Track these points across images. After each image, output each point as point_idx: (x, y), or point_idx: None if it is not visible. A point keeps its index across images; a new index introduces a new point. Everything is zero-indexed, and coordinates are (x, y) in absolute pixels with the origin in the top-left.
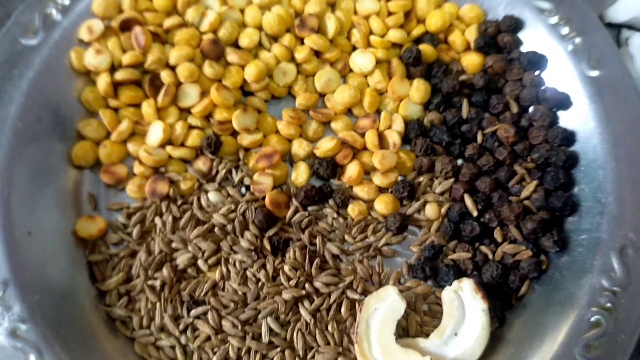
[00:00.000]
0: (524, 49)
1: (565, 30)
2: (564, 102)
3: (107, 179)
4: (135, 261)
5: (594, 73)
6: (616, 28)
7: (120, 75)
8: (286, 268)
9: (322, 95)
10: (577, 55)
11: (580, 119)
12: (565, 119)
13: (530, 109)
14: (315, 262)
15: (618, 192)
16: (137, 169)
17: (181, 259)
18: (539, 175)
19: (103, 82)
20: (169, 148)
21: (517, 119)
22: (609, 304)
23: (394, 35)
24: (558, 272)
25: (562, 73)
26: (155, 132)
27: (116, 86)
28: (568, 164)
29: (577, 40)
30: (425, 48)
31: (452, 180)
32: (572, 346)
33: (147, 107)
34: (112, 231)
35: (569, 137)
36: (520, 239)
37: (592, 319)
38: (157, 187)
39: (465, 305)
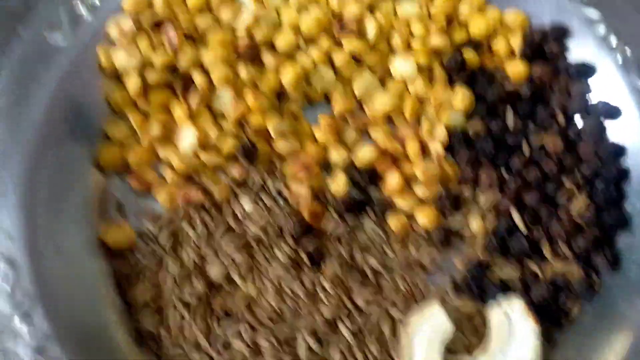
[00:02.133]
0: (570, 58)
1: (614, 41)
2: (614, 114)
3: (136, 184)
4: (166, 273)
5: None
6: None
7: (151, 77)
8: (325, 284)
9: (360, 102)
10: (626, 67)
11: (630, 131)
12: (615, 132)
13: (579, 121)
14: (355, 277)
15: None
16: (169, 175)
17: (214, 272)
18: (588, 189)
19: (133, 83)
20: (202, 155)
21: (565, 131)
22: None
23: (436, 40)
24: (611, 293)
25: (611, 84)
26: (187, 138)
27: (146, 87)
28: (619, 178)
29: (627, 51)
30: (468, 54)
31: (498, 193)
32: None
33: (179, 111)
34: (142, 241)
35: (619, 152)
36: (571, 256)
37: None
38: (191, 196)
39: (514, 326)
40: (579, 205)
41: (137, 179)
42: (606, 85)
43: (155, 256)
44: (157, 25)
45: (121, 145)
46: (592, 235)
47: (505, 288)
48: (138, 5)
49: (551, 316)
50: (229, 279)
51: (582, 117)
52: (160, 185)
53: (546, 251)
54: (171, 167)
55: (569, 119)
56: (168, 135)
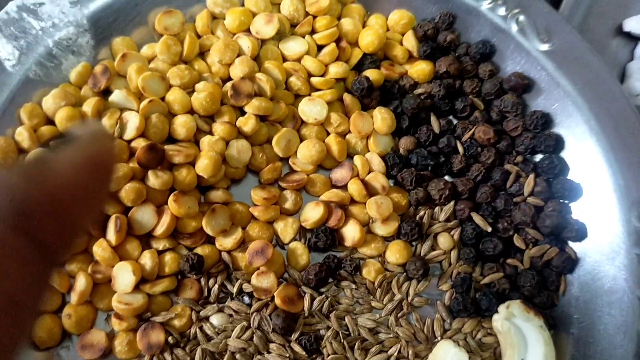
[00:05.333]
0: (466, 40)
1: (502, 10)
2: (529, 85)
3: (88, 354)
4: None
5: (547, 47)
6: (634, 41)
7: None
8: None
9: (282, 159)
10: (525, 33)
11: (548, 97)
12: (534, 102)
13: (496, 100)
14: (356, 347)
15: (614, 163)
16: (118, 325)
17: None
18: (532, 166)
19: None
20: (145, 287)
21: (488, 116)
22: None
23: (336, 70)
24: (590, 259)
25: (514, 55)
26: (124, 276)
27: None
28: (558, 147)
29: (520, 17)
30: (371, 73)
31: (452, 202)
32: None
33: (101, 251)
34: None
35: (548, 120)
36: (542, 238)
37: None
38: (151, 338)
39: (521, 328)
40: (530, 186)
41: (86, 347)
42: (509, 56)
43: None
44: None
45: (52, 314)
46: (555, 212)
47: (495, 294)
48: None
49: (544, 300)
50: None
51: (500, 97)
52: (113, 340)
53: (518, 242)
54: (117, 315)
55: (487, 102)
56: (98, 282)
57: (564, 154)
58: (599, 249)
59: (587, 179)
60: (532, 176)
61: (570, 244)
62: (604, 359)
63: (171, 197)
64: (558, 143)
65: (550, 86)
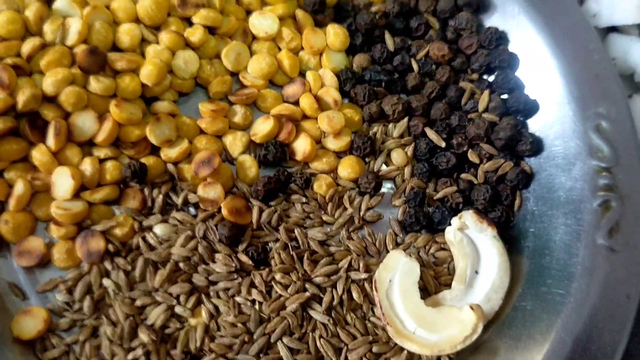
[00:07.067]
0: None
1: None
2: (484, 1)
3: (25, 261)
4: (102, 340)
5: None
6: None
7: None
8: (278, 276)
9: (234, 74)
10: None
11: (502, 14)
12: (489, 20)
13: (451, 20)
14: (305, 257)
15: (570, 75)
16: (56, 232)
17: (155, 315)
18: (487, 83)
19: None
20: (85, 195)
21: (443, 34)
22: (611, 182)
23: None
24: (545, 172)
25: None
26: (63, 182)
27: None
28: (513, 62)
29: None
30: None
31: (406, 118)
32: (595, 238)
33: (40, 155)
34: (58, 316)
35: (503, 36)
36: (496, 153)
37: (601, 203)
38: (91, 246)
39: (474, 240)
40: (484, 102)
41: (23, 255)
42: None
43: (82, 327)
44: None
45: None
46: (510, 124)
47: (449, 208)
48: None
49: (499, 215)
50: (175, 317)
51: (455, 15)
52: (51, 249)
53: (472, 157)
54: (56, 222)
55: (442, 21)
56: (38, 189)
57: (519, 73)
58: (555, 162)
59: (543, 94)
60: (486, 92)
61: (526, 159)
62: (559, 267)
63: (112, 102)
64: (513, 58)
65: (505, 2)
